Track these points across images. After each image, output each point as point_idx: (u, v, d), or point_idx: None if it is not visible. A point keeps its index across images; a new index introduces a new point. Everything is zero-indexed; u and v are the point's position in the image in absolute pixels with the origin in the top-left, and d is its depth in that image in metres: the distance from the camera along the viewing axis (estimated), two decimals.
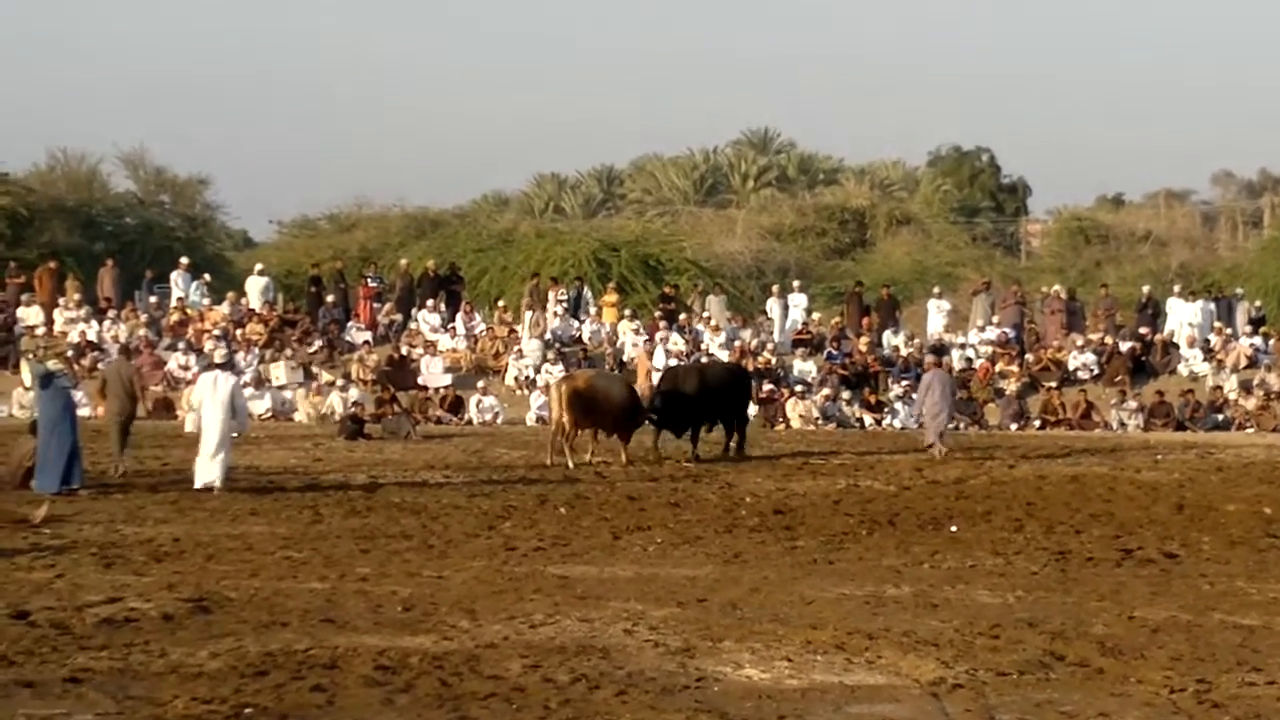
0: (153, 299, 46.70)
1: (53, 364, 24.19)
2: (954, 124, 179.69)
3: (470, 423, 38.78)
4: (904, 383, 40.89)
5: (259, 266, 49.10)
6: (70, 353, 40.52)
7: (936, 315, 46.29)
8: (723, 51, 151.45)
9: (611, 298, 47.26)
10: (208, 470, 23.61)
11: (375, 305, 45.83)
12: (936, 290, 48.59)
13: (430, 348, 42.75)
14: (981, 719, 10.71)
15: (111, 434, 25.91)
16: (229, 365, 28.89)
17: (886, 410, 40.41)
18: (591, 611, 13.99)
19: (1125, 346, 43.06)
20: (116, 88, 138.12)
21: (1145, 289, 48.38)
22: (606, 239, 59.72)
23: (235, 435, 24.58)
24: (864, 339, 43.51)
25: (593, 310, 46.19)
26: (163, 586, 14.98)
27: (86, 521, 19.91)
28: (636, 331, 44.07)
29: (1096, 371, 42.50)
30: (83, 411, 37.10)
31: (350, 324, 44.86)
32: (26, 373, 24.28)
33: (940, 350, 41.45)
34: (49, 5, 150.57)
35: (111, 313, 44.37)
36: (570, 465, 27.82)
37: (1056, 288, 47.79)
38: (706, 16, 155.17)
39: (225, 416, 23.71)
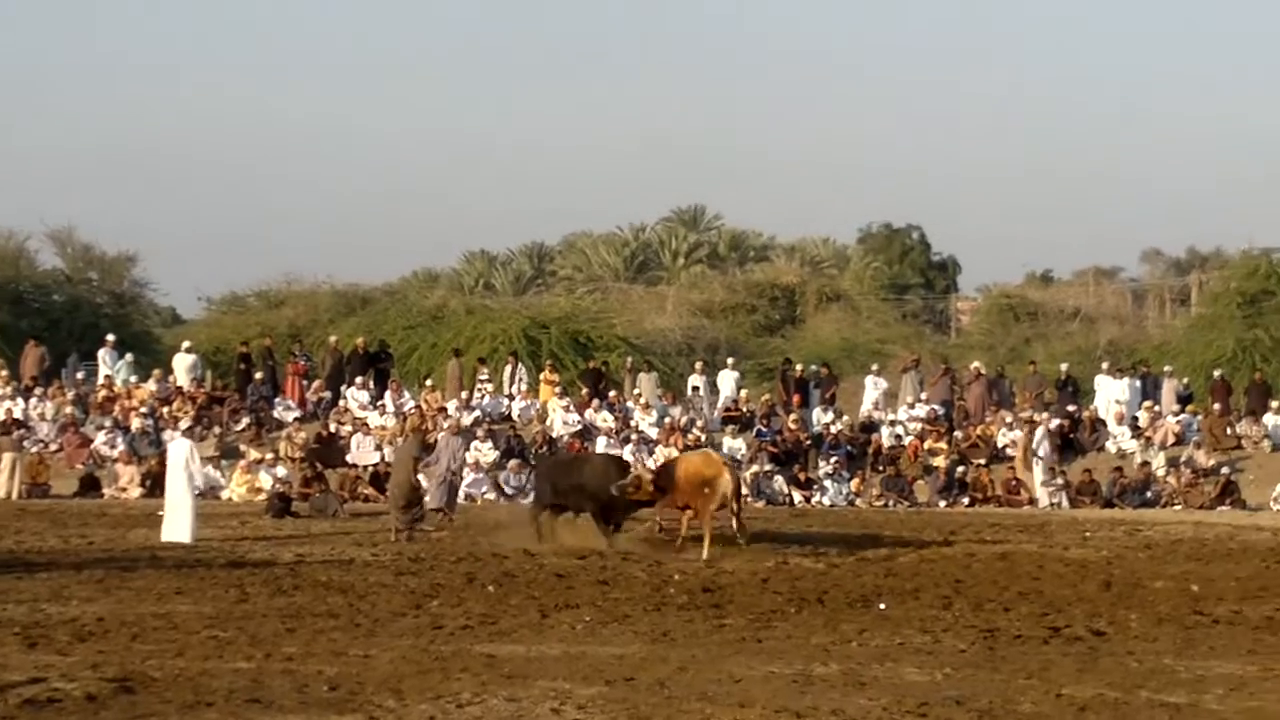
0: (80, 376, 46.45)
1: None
2: (884, 201, 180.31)
3: None
4: (833, 459, 41.04)
5: (186, 344, 48.70)
6: None
7: (873, 391, 46.35)
8: (654, 129, 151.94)
9: (554, 376, 47.18)
10: (173, 529, 27.09)
11: (304, 382, 45.67)
12: (875, 367, 48.68)
13: (359, 425, 42.60)
14: None
15: (391, 502, 29.96)
16: (188, 432, 32.84)
17: (816, 487, 40.46)
18: (519, 690, 13.93)
19: (1054, 424, 43.24)
20: (44, 164, 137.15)
21: (1063, 367, 48.81)
22: (537, 316, 59.71)
23: (197, 493, 28.46)
24: (793, 416, 43.58)
25: (524, 387, 46.12)
26: (87, 666, 14.84)
27: (10, 601, 19.71)
28: (566, 409, 44.01)
29: None
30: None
31: (279, 401, 44.70)
32: None
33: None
34: None
35: (38, 390, 44.05)
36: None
37: (976, 364, 48.09)
38: (637, 95, 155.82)
39: (183, 478, 27.23)
